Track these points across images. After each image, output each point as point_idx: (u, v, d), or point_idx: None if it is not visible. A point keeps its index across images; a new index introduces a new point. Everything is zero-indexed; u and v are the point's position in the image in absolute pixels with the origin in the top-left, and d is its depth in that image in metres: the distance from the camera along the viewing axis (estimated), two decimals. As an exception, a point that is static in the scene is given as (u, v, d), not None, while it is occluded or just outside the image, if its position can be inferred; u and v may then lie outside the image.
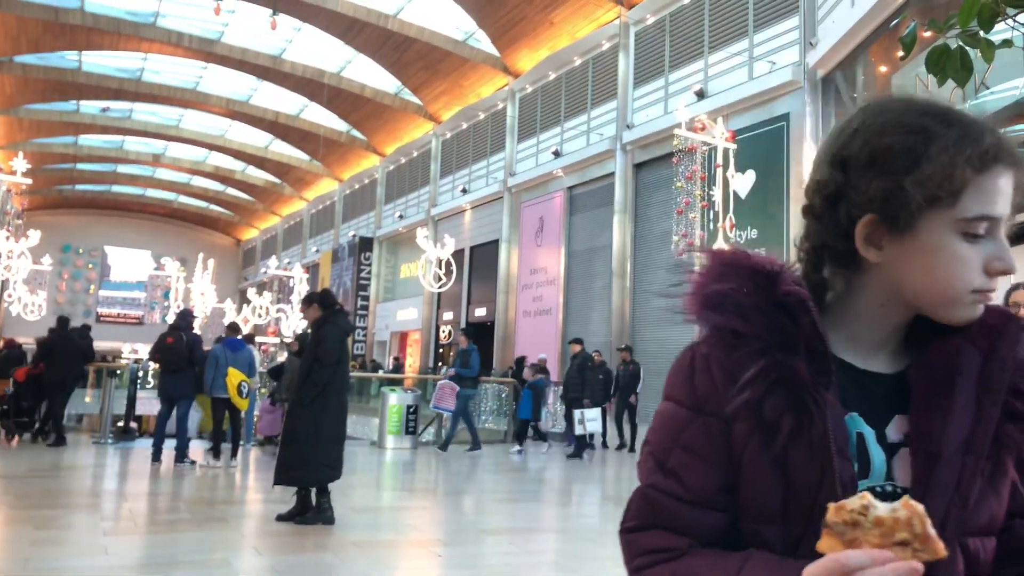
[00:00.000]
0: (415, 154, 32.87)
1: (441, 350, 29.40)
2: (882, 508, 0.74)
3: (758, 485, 0.87)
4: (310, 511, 6.38)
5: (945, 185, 0.86)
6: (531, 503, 8.55)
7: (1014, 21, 2.37)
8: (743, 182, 16.45)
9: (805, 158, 16.01)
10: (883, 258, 0.90)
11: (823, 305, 0.94)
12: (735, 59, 17.72)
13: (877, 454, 0.89)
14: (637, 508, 0.93)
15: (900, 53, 2.31)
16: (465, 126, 29.13)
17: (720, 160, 15.23)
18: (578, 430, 12.20)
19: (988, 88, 12.59)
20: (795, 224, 15.75)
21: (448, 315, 29.39)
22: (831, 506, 0.76)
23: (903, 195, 0.86)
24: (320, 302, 6.81)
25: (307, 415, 6.39)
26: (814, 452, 0.85)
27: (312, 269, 39.78)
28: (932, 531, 0.74)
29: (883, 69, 14.89)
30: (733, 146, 15.39)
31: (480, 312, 27.49)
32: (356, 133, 34.49)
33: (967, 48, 2.23)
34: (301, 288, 29.57)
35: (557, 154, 23.29)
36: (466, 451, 12.23)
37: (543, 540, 6.49)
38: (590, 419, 12.13)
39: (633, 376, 13.47)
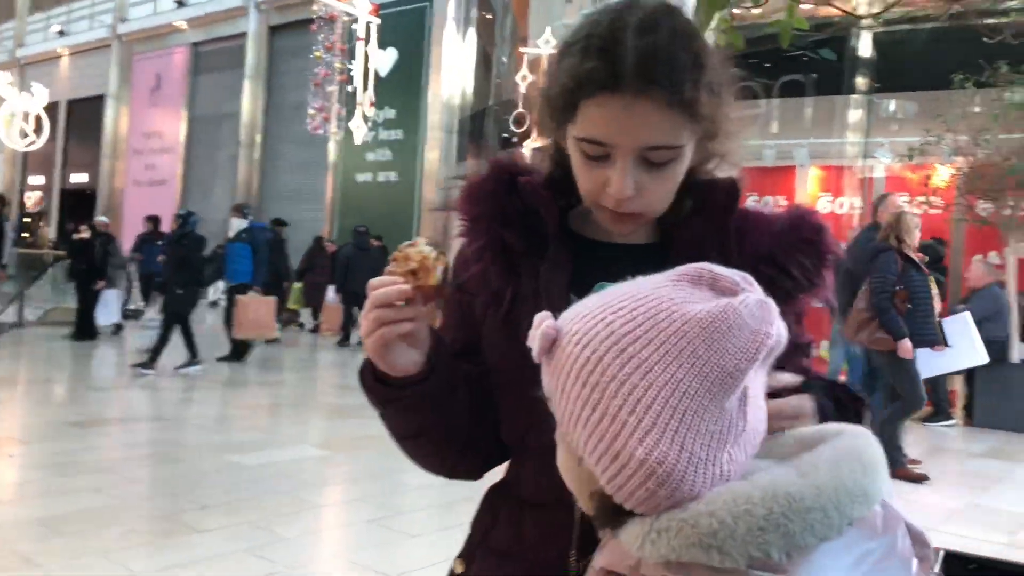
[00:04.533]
0: (-5, -21, 27.28)
1: (27, 219, 25.34)
2: (403, 246, 0.87)
3: (497, 348, 0.97)
4: None
5: (563, 100, 0.87)
6: (131, 390, 7.54)
7: None
8: (384, 59, 16.00)
9: (446, 41, 15.99)
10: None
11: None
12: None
13: None
14: None
15: None
16: (64, -47, 24.73)
17: (362, 34, 14.55)
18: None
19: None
20: (433, 108, 15.78)
21: (38, 179, 25.59)
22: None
23: (546, 106, 0.92)
24: None
25: None
26: (534, 313, 0.81)
27: None
28: (433, 264, 0.85)
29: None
30: (376, 20, 14.76)
31: (79, 178, 24.33)
32: (-92, -60, 27.54)
33: None
34: None
35: (180, 3, 20.91)
36: None
37: (142, 431, 5.72)
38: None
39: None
